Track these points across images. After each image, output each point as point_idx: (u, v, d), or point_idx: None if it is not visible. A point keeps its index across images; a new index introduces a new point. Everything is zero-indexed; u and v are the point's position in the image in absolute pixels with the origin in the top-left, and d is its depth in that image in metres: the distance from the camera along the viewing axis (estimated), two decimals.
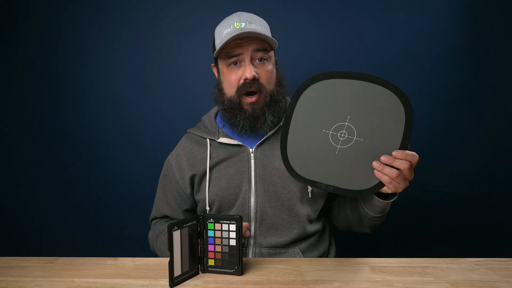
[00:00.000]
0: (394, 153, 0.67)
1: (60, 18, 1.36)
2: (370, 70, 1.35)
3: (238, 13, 0.88)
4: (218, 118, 0.97)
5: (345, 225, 0.96)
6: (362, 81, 0.69)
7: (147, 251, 1.03)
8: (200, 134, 0.94)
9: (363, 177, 0.71)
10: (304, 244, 0.89)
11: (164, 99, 1.38)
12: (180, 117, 1.38)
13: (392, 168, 0.67)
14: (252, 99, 0.85)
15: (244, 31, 0.81)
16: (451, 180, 1.39)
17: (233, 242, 0.67)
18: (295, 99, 0.75)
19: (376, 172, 0.69)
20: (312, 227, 0.90)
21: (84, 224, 1.43)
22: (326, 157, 0.73)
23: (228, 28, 0.84)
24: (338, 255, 0.95)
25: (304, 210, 0.88)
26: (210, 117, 0.98)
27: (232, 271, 0.68)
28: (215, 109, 0.99)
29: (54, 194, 1.42)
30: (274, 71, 0.89)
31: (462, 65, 1.34)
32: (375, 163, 0.68)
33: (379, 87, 0.68)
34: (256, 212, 0.87)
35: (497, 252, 1.38)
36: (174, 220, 0.88)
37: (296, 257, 0.87)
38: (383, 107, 0.68)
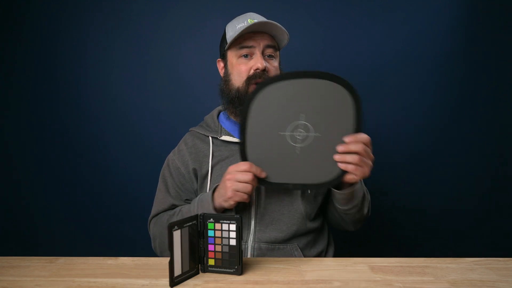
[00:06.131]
0: (346, 139, 0.71)
1: (59, 17, 1.36)
2: (370, 70, 1.35)
3: (251, 12, 0.93)
4: (221, 118, 1.00)
5: (334, 223, 0.99)
6: (307, 79, 0.72)
7: (148, 251, 1.03)
8: (203, 132, 0.97)
9: (328, 168, 0.73)
10: (303, 241, 0.90)
11: (164, 99, 1.38)
12: (180, 117, 1.38)
13: (353, 155, 0.71)
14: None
15: (261, 20, 0.86)
16: (450, 180, 1.39)
17: (233, 242, 0.67)
18: (245, 111, 0.75)
19: (340, 164, 0.72)
20: (311, 224, 0.91)
21: (84, 224, 1.43)
22: (289, 158, 0.75)
23: (242, 23, 0.89)
24: (337, 253, 0.96)
25: (304, 207, 0.89)
26: (213, 116, 1.00)
27: (232, 270, 0.68)
28: (218, 109, 1.03)
29: (54, 194, 1.42)
30: (279, 70, 0.95)
31: (462, 65, 1.34)
32: (336, 156, 0.72)
33: (325, 81, 0.71)
34: (257, 208, 0.88)
35: (497, 252, 1.38)
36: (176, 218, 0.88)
37: (294, 253, 0.88)
38: (332, 100, 0.71)
